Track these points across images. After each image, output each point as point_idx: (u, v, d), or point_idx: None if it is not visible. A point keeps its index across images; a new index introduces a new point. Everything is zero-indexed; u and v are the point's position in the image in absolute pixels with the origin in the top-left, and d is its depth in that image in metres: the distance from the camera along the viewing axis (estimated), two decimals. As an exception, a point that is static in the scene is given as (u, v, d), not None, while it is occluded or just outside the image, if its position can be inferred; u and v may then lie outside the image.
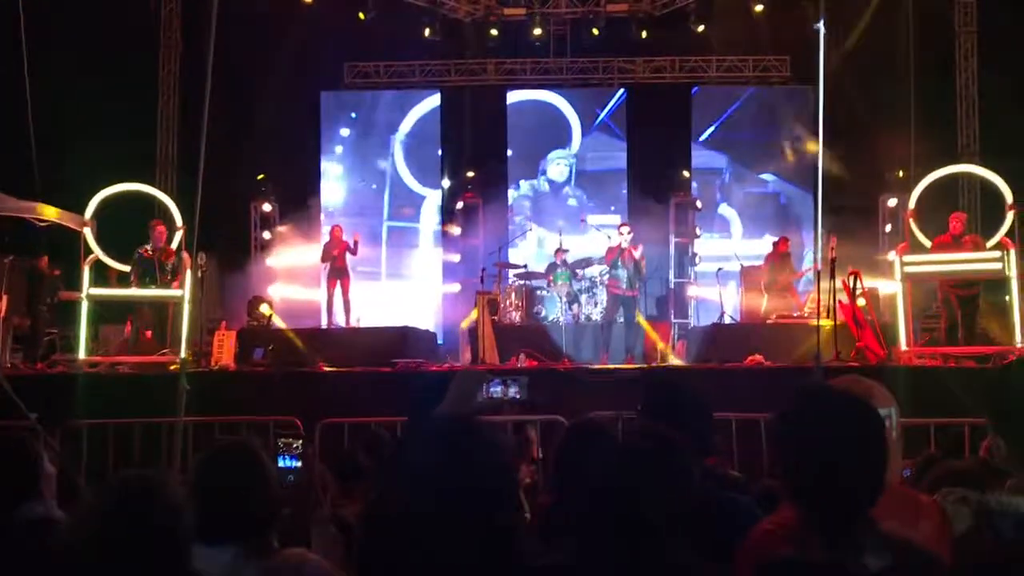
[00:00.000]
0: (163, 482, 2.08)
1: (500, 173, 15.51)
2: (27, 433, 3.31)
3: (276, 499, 2.56)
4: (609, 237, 12.21)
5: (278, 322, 11.85)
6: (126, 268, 10.50)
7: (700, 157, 15.30)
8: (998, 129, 13.81)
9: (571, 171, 15.67)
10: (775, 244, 12.60)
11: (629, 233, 11.36)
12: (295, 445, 3.29)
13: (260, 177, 14.59)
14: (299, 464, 3.25)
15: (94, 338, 10.60)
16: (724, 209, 15.36)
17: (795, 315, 11.61)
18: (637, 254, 11.21)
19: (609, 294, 11.51)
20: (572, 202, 15.52)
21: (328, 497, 4.28)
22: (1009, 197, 9.92)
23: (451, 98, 15.56)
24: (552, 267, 12.49)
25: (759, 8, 13.84)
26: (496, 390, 2.89)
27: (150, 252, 10.38)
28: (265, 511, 2.51)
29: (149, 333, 10.47)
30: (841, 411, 1.96)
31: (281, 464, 3.16)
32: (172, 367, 9.23)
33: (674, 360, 11.43)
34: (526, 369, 9.86)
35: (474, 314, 11.20)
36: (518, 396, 2.88)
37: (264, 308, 11.23)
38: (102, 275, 10.64)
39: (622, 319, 11.40)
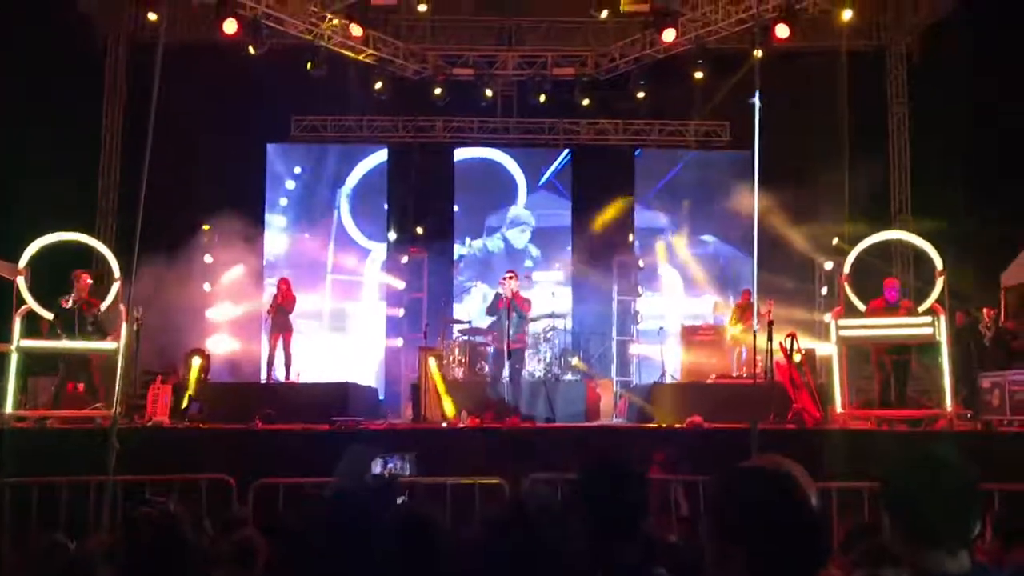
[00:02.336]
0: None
1: (446, 229, 15.58)
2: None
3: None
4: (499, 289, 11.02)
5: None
6: (51, 316, 10.16)
7: (643, 217, 15.57)
8: (929, 196, 14.30)
9: (531, 236, 15.81)
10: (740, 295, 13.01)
11: (510, 280, 10.70)
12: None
13: (205, 228, 14.43)
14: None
15: (22, 390, 10.24)
16: (665, 269, 15.59)
17: (734, 375, 11.78)
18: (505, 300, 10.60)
19: (495, 350, 11.06)
20: (529, 263, 15.59)
21: (261, 562, 4.18)
22: (939, 263, 10.11)
23: (398, 153, 15.64)
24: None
25: (699, 75, 14.18)
26: (391, 465, 2.94)
27: (70, 303, 10.09)
28: None
29: (81, 387, 10.14)
30: (783, 486, 1.94)
31: None
32: (101, 422, 8.98)
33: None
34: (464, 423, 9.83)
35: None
36: (407, 472, 2.94)
37: (195, 361, 10.92)
38: (34, 326, 10.33)
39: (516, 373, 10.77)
